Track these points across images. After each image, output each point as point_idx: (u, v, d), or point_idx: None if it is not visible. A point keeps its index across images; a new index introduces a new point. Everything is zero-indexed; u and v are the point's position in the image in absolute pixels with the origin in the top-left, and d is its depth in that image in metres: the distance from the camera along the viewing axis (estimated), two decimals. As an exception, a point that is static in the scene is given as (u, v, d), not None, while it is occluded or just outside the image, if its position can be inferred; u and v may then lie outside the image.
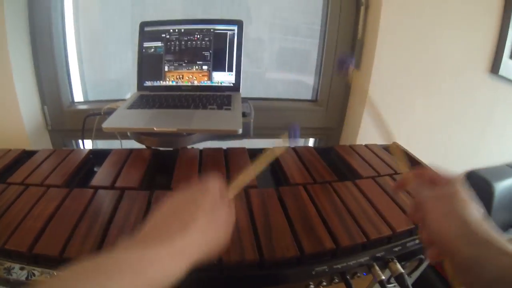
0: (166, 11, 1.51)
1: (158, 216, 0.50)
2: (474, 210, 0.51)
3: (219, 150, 1.07)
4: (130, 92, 1.57)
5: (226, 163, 0.99)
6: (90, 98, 1.61)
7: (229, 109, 1.07)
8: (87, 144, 1.52)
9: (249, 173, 0.65)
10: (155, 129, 0.96)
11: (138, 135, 1.10)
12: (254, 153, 1.03)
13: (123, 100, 1.25)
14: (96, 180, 0.90)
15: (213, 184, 0.55)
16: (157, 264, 0.42)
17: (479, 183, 1.64)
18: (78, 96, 1.56)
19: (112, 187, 0.88)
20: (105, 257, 0.40)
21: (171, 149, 1.10)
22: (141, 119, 1.03)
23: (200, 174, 0.93)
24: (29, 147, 1.13)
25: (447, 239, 0.49)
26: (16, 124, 1.32)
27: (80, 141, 1.56)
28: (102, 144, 1.52)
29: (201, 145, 1.12)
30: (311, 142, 1.66)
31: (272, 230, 0.72)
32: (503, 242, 0.45)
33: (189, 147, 1.11)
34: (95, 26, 1.57)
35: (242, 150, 1.07)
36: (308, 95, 1.59)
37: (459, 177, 0.57)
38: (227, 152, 1.06)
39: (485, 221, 0.49)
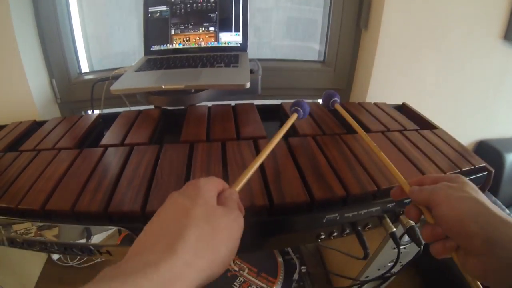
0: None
1: (142, 235, 0.41)
2: (486, 197, 0.50)
3: (227, 106, 1.07)
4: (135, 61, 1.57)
5: (235, 119, 0.99)
6: (97, 69, 1.61)
7: (237, 66, 1.06)
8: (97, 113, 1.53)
9: (254, 165, 0.60)
10: (163, 86, 0.96)
11: (147, 96, 1.10)
12: (262, 109, 1.04)
13: (131, 66, 1.26)
14: (105, 140, 0.92)
15: (207, 185, 0.46)
16: None
17: (490, 153, 1.65)
18: (84, 68, 1.57)
19: (121, 144, 0.89)
20: None
21: (179, 107, 1.11)
22: (150, 79, 1.03)
23: (209, 129, 0.93)
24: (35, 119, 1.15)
25: (464, 223, 0.46)
26: (25, 98, 1.32)
27: (89, 111, 1.58)
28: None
29: (210, 104, 1.12)
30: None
31: (281, 177, 0.72)
32: None
33: (197, 104, 1.11)
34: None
35: (250, 105, 1.07)
36: (315, 58, 1.58)
37: (460, 175, 0.56)
38: (236, 108, 1.06)
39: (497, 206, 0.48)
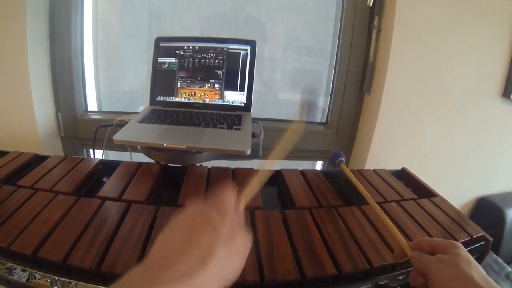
0: (183, 28, 1.54)
1: (169, 240, 0.42)
2: (478, 269, 0.51)
3: (227, 169, 1.07)
4: (142, 105, 1.60)
5: (234, 182, 0.99)
6: (104, 108, 1.64)
7: (239, 129, 1.08)
8: (98, 154, 1.54)
9: (261, 177, 0.59)
10: (164, 144, 0.98)
11: (148, 149, 1.11)
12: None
13: (135, 113, 1.27)
14: (104, 191, 0.91)
15: (230, 200, 0.48)
16: None
17: (491, 209, 1.64)
18: (91, 105, 1.60)
19: (119, 199, 0.89)
20: None
21: (179, 165, 1.11)
22: (152, 134, 1.05)
23: (207, 193, 0.92)
24: (41, 152, 1.15)
25: None
26: (30, 128, 1.36)
27: (91, 150, 1.59)
28: (112, 155, 1.55)
29: (210, 164, 1.12)
30: (319, 164, 1.66)
31: (274, 252, 0.71)
32: None
33: (197, 164, 1.11)
34: (113, 38, 1.61)
35: (250, 170, 1.06)
36: (318, 116, 1.59)
37: (456, 242, 0.57)
38: (235, 171, 1.06)
39: (490, 280, 0.50)
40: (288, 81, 1.61)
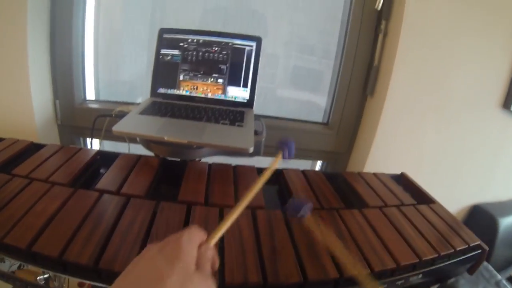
0: (186, 20, 1.53)
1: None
2: None
3: (228, 166, 1.06)
4: (141, 95, 1.59)
5: (235, 182, 0.98)
6: (102, 97, 1.63)
7: (242, 126, 1.07)
8: (95, 143, 1.53)
9: (232, 217, 0.57)
10: (165, 138, 0.96)
11: (147, 142, 1.10)
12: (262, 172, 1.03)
13: (134, 104, 1.26)
14: (101, 184, 0.90)
15: (189, 245, 0.45)
16: None
17: (484, 217, 1.65)
18: (90, 94, 1.58)
19: (117, 192, 0.87)
20: None
21: (178, 160, 1.10)
22: (152, 127, 1.03)
23: (208, 189, 0.92)
24: (36, 139, 1.14)
25: None
26: (26, 114, 1.34)
27: (88, 139, 1.59)
28: (109, 145, 1.53)
29: (209, 159, 1.11)
30: (318, 164, 1.66)
31: (277, 253, 0.71)
32: None
33: (197, 160, 1.10)
34: (114, 26, 1.60)
35: (251, 168, 1.07)
36: (319, 116, 1.60)
37: None
38: (236, 169, 1.05)
39: None
40: (290, 79, 1.61)
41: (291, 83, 1.62)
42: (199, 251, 0.46)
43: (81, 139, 1.62)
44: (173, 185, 0.94)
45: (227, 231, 0.74)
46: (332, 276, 0.68)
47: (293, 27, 1.53)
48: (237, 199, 0.89)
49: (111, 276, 0.63)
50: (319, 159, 1.61)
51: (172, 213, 0.80)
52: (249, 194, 0.63)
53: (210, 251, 0.48)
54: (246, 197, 0.61)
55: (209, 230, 0.73)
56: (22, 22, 1.23)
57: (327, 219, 0.86)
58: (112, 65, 1.64)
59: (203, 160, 1.12)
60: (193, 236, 0.47)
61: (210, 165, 1.05)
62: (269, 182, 0.97)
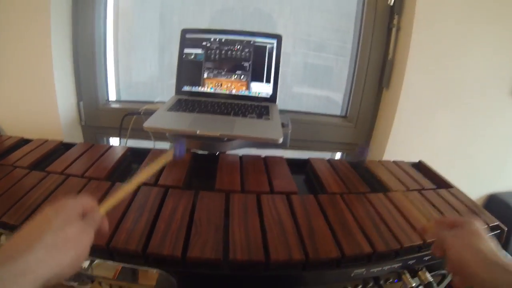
0: (203, 20, 1.57)
1: (11, 237, 0.49)
2: (488, 242, 0.59)
3: (258, 157, 1.10)
4: (159, 95, 1.62)
5: (267, 171, 1.02)
6: (123, 98, 1.67)
7: (268, 119, 1.10)
8: (115, 142, 1.57)
9: (126, 190, 0.65)
10: (198, 132, 0.99)
11: (177, 137, 1.13)
12: (290, 162, 1.07)
13: (155, 102, 1.29)
14: None
15: (73, 202, 0.54)
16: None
17: (501, 206, 1.66)
18: (112, 95, 1.62)
19: (155, 184, 0.90)
20: None
21: (206, 153, 1.14)
22: (183, 122, 1.06)
23: (243, 178, 0.96)
24: (62, 140, 1.18)
25: (466, 267, 0.57)
26: (52, 116, 1.38)
27: (110, 138, 1.62)
28: (132, 144, 1.56)
29: (237, 152, 1.14)
30: (337, 156, 1.70)
31: (314, 233, 0.76)
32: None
33: (228, 153, 1.14)
34: (132, 29, 1.63)
35: (280, 159, 1.10)
36: (334, 111, 1.64)
37: (473, 219, 0.65)
38: (266, 160, 1.09)
39: (498, 251, 0.58)
40: (306, 75, 1.65)
41: (307, 79, 1.65)
42: (88, 212, 0.56)
43: (105, 138, 1.66)
44: (206, 177, 0.98)
45: (267, 216, 0.79)
46: (366, 251, 0.73)
47: (308, 26, 1.57)
48: (271, 186, 0.94)
49: (159, 260, 0.67)
50: (339, 151, 1.64)
51: (212, 201, 0.84)
52: (141, 175, 0.68)
53: (97, 214, 0.58)
54: (137, 178, 0.67)
55: (248, 214, 0.79)
56: (46, 27, 1.28)
57: (355, 202, 0.90)
58: (132, 67, 1.68)
59: (231, 152, 1.15)
60: (81, 199, 0.56)
61: (241, 157, 1.09)
62: (295, 172, 1.02)
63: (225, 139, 1.08)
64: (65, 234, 0.49)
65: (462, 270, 0.58)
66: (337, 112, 1.64)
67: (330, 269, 0.72)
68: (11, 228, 0.74)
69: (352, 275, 0.73)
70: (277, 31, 1.36)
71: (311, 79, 1.64)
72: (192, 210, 0.80)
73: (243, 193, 0.89)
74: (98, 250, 0.68)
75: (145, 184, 0.89)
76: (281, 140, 0.98)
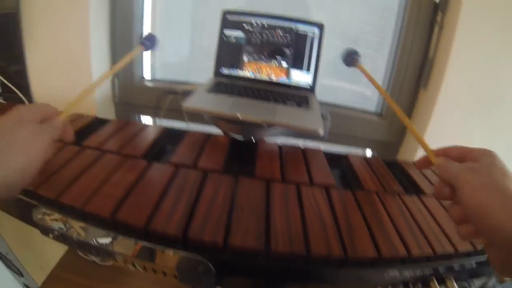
0: (241, 2, 1.55)
1: None
2: None
3: (297, 148, 1.09)
4: (194, 77, 1.63)
5: (305, 163, 1.01)
6: (158, 77, 1.67)
7: (308, 108, 1.10)
8: (147, 120, 1.58)
9: (87, 92, 0.70)
10: (239, 116, 0.99)
11: (216, 119, 1.13)
12: (326, 156, 1.07)
13: (196, 84, 1.29)
14: (176, 158, 0.93)
15: (30, 106, 0.55)
16: None
17: None
18: (146, 74, 1.63)
19: (194, 167, 0.91)
20: None
21: (241, 139, 1.14)
22: (224, 104, 1.06)
23: (282, 169, 0.96)
24: (96, 115, 1.19)
25: (487, 214, 0.43)
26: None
27: (142, 116, 1.63)
28: (165, 124, 1.57)
29: (274, 140, 1.15)
30: (368, 152, 1.70)
31: (353, 230, 0.76)
32: None
33: (267, 141, 1.13)
34: (171, 9, 1.63)
35: (318, 151, 1.10)
36: (368, 106, 1.63)
37: (492, 151, 0.53)
38: (304, 151, 1.08)
39: None
40: (341, 68, 1.63)
41: (340, 73, 1.63)
42: (48, 119, 0.57)
43: (136, 116, 1.68)
44: (245, 163, 0.98)
45: (307, 208, 0.79)
46: (401, 254, 0.73)
47: (348, 19, 1.55)
48: (310, 177, 0.94)
49: (199, 245, 0.67)
50: (369, 147, 1.64)
51: (252, 188, 0.84)
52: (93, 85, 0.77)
53: (57, 121, 0.60)
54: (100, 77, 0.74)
55: (289, 205, 0.79)
56: (84, 2, 1.28)
57: (391, 202, 0.90)
58: (167, 46, 1.67)
59: (267, 140, 1.15)
60: (40, 105, 0.58)
61: (280, 147, 1.08)
62: (332, 166, 1.02)
63: (265, 125, 1.07)
64: (13, 137, 0.49)
65: (481, 219, 0.44)
66: (371, 108, 1.62)
67: (364, 268, 0.72)
68: (47, 201, 0.75)
69: (385, 276, 0.73)
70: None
71: (345, 73, 1.62)
72: (232, 196, 0.81)
73: (283, 183, 0.89)
74: (134, 230, 0.68)
75: (183, 166, 0.90)
76: (321, 132, 0.98)
